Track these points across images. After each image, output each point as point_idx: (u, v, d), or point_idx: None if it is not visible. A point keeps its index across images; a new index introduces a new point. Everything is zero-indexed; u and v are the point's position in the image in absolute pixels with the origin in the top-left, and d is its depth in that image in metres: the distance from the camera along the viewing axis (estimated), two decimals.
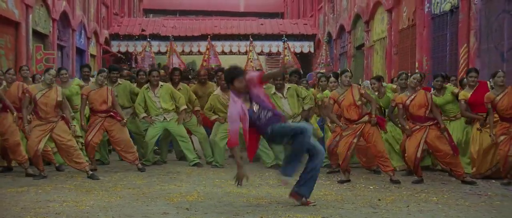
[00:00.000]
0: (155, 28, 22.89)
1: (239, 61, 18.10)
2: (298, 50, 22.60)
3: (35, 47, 13.32)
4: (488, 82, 7.46)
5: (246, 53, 18.64)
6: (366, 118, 7.10)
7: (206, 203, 5.65)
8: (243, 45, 21.79)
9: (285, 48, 16.40)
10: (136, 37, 21.60)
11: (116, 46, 22.44)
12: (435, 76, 7.93)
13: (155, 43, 20.68)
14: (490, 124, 6.98)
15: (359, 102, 7.10)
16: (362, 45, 17.37)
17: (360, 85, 8.23)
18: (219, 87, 8.81)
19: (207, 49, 15.99)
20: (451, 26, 10.98)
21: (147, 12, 32.87)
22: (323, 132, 8.93)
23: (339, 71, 8.41)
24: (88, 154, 7.99)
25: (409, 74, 7.92)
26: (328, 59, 16.39)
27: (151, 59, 15.82)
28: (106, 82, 8.15)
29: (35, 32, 13.78)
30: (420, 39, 12.21)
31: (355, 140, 7.10)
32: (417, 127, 7.06)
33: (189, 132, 9.04)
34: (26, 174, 7.40)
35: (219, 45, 21.32)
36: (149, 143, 8.50)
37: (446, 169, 7.47)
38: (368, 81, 9.94)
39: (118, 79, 8.85)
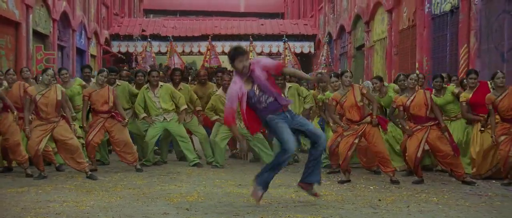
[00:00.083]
0: (156, 29, 22.90)
1: None
2: (298, 50, 22.62)
3: (35, 48, 13.33)
4: (489, 83, 7.45)
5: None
6: (368, 118, 7.10)
7: (206, 203, 5.65)
8: (243, 45, 21.74)
9: (286, 48, 16.38)
10: (137, 37, 21.58)
11: (117, 47, 22.45)
12: (434, 77, 7.93)
13: (155, 44, 20.70)
14: (491, 125, 6.97)
15: (361, 104, 7.09)
16: (362, 45, 17.37)
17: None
18: (221, 87, 8.81)
19: (208, 49, 16.01)
20: (451, 26, 10.98)
21: (147, 12, 32.89)
22: (324, 132, 8.94)
23: (339, 72, 8.40)
24: (89, 153, 7.98)
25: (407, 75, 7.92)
26: (329, 60, 16.40)
27: (152, 59, 15.84)
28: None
29: (36, 33, 13.79)
30: (420, 40, 12.21)
31: (356, 141, 7.09)
32: (419, 127, 7.06)
33: (190, 132, 9.04)
34: (26, 174, 7.40)
35: (219, 46, 21.32)
36: (149, 143, 8.50)
37: (446, 170, 7.47)
38: (369, 82, 9.94)
39: (117, 80, 8.84)
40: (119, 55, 22.21)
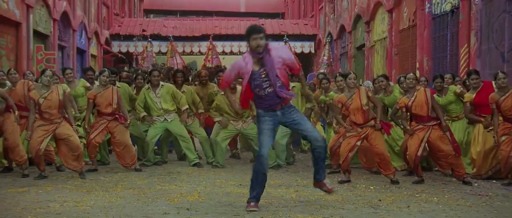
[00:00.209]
0: (156, 29, 22.89)
1: None
2: (298, 50, 22.61)
3: (35, 48, 13.33)
4: (493, 83, 7.43)
5: None
6: (371, 122, 7.08)
7: (206, 203, 5.65)
8: (243, 45, 21.78)
9: None
10: (139, 37, 21.58)
11: (117, 47, 22.44)
12: (434, 78, 7.92)
13: (156, 44, 20.67)
14: (494, 125, 6.97)
15: (366, 107, 7.06)
16: (363, 45, 17.36)
17: (360, 85, 8.21)
18: None
19: (209, 49, 16.00)
20: (452, 26, 10.98)
21: (147, 12, 32.87)
22: (325, 131, 8.94)
23: (340, 71, 8.39)
24: (90, 153, 8.00)
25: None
26: (330, 60, 16.40)
27: (154, 59, 15.84)
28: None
29: (36, 33, 13.79)
30: (421, 40, 12.20)
31: (358, 143, 7.09)
32: (420, 126, 7.06)
33: (190, 133, 9.04)
34: (22, 175, 7.40)
35: (219, 46, 21.30)
36: (150, 143, 8.50)
37: (444, 172, 7.47)
38: (369, 82, 9.94)
39: (117, 82, 8.83)
40: (120, 55, 22.21)
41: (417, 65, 12.28)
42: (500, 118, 7.01)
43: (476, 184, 7.00)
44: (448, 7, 11.07)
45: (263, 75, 5.25)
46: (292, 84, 8.51)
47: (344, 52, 20.19)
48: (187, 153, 8.61)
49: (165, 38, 20.96)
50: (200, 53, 21.70)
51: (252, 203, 5.28)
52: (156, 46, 20.70)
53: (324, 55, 15.71)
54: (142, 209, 5.37)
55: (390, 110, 8.01)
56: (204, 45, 21.00)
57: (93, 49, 20.02)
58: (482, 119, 7.29)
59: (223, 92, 8.59)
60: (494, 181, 7.17)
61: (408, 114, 7.24)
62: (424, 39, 12.05)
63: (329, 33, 21.40)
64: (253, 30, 5.23)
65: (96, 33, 20.22)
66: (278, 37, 22.21)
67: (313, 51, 23.20)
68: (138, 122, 8.82)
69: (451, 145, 6.98)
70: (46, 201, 5.68)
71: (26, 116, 7.45)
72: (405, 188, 6.71)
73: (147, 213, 5.19)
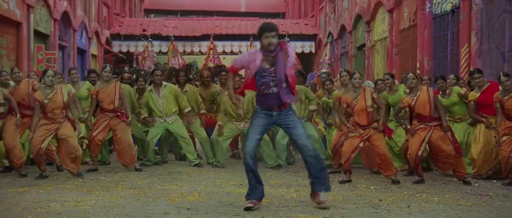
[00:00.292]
0: (156, 28, 22.89)
1: None
2: (299, 50, 22.59)
3: (36, 47, 13.33)
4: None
5: None
6: (374, 124, 7.07)
7: (207, 203, 5.65)
8: (244, 45, 21.78)
9: None
10: (139, 37, 21.58)
11: (117, 46, 22.44)
12: (436, 79, 7.91)
13: (156, 43, 20.68)
14: (497, 125, 6.98)
15: (371, 109, 7.04)
16: (363, 45, 17.36)
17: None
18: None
19: (210, 49, 16.01)
20: (452, 26, 10.98)
21: (148, 12, 32.86)
22: (326, 132, 8.94)
23: (340, 71, 8.37)
24: (91, 152, 8.02)
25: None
26: (332, 59, 16.40)
27: (155, 59, 15.85)
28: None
29: (37, 32, 13.79)
30: (421, 40, 12.20)
31: (361, 144, 7.08)
32: (422, 126, 7.06)
33: (190, 132, 9.02)
34: (20, 174, 7.41)
35: (220, 45, 21.30)
36: (150, 142, 8.50)
37: (444, 172, 7.47)
38: (370, 82, 9.93)
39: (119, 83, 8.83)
40: (120, 55, 22.22)
41: (418, 65, 12.27)
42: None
43: (476, 184, 7.00)
44: (448, 7, 11.06)
45: (272, 74, 5.23)
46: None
47: (344, 52, 20.19)
48: (187, 154, 8.60)
49: (165, 38, 20.97)
50: (201, 53, 21.69)
51: (247, 200, 5.32)
52: (157, 46, 20.71)
53: (325, 55, 15.71)
54: (142, 209, 5.37)
55: (392, 109, 8.01)
56: (204, 45, 20.99)
57: (93, 49, 20.03)
58: (484, 119, 7.29)
59: (226, 93, 8.57)
60: (495, 181, 7.17)
61: (410, 114, 7.23)
62: (424, 39, 12.05)
63: (330, 33, 21.39)
64: (265, 28, 5.23)
65: (96, 33, 20.23)
66: (278, 37, 22.20)
67: (313, 51, 23.19)
68: (139, 124, 8.84)
69: (452, 145, 6.98)
70: (46, 201, 5.69)
71: (29, 115, 7.45)
72: (405, 188, 6.71)
73: (147, 213, 5.19)
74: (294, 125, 5.36)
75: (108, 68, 8.11)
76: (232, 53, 22.71)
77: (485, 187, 6.82)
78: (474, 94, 7.45)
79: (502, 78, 6.95)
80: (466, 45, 10.04)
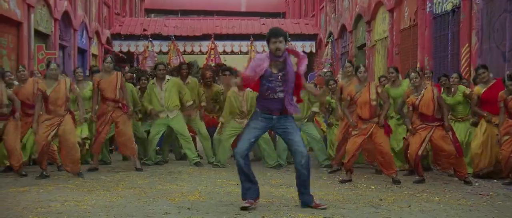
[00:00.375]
0: (157, 28, 22.89)
1: (241, 61, 18.16)
2: (299, 50, 22.58)
3: (36, 47, 13.33)
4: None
5: (247, 53, 18.57)
6: (376, 119, 7.07)
7: (207, 203, 5.65)
8: (244, 45, 21.78)
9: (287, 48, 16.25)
10: (140, 37, 21.58)
11: (118, 46, 22.44)
12: (439, 78, 7.88)
13: (156, 43, 20.69)
14: (500, 122, 6.98)
15: (374, 103, 7.05)
16: (364, 45, 17.36)
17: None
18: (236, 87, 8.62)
19: (211, 49, 16.01)
20: (453, 26, 10.97)
21: (148, 12, 32.86)
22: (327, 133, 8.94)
23: (341, 71, 8.39)
24: (94, 151, 8.06)
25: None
26: (333, 59, 16.41)
27: (156, 59, 15.86)
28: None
29: (37, 32, 13.79)
30: (422, 39, 12.19)
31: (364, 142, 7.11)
32: (424, 125, 7.06)
33: (193, 132, 9.02)
34: (20, 174, 7.41)
35: (220, 45, 21.30)
36: (152, 141, 8.51)
37: (445, 171, 7.47)
38: None
39: None
40: (121, 54, 22.22)
41: (418, 64, 12.26)
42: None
43: (477, 184, 7.00)
44: (449, 7, 11.06)
45: (279, 78, 5.20)
46: None
47: (345, 52, 20.18)
48: (187, 152, 8.62)
49: (166, 38, 20.97)
50: (201, 52, 21.69)
51: (244, 200, 5.34)
52: (157, 45, 20.72)
53: (326, 54, 15.71)
54: (143, 208, 5.37)
55: (394, 103, 7.98)
56: (204, 45, 20.99)
57: (94, 49, 20.02)
58: (485, 114, 7.30)
59: (231, 89, 8.55)
60: (495, 180, 7.17)
61: (415, 112, 7.21)
62: (425, 38, 12.04)
63: (330, 33, 21.39)
64: (272, 34, 5.20)
65: (97, 33, 20.23)
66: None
67: (314, 51, 23.18)
68: (139, 123, 8.85)
69: (453, 145, 6.98)
70: (47, 201, 5.69)
71: (32, 114, 7.47)
72: (406, 187, 6.71)
73: (148, 212, 5.19)
74: (292, 130, 5.35)
75: (109, 59, 8.19)
76: (232, 52, 22.72)
77: (486, 186, 6.82)
78: (478, 89, 7.45)
79: (507, 82, 6.95)
80: (467, 45, 10.03)
